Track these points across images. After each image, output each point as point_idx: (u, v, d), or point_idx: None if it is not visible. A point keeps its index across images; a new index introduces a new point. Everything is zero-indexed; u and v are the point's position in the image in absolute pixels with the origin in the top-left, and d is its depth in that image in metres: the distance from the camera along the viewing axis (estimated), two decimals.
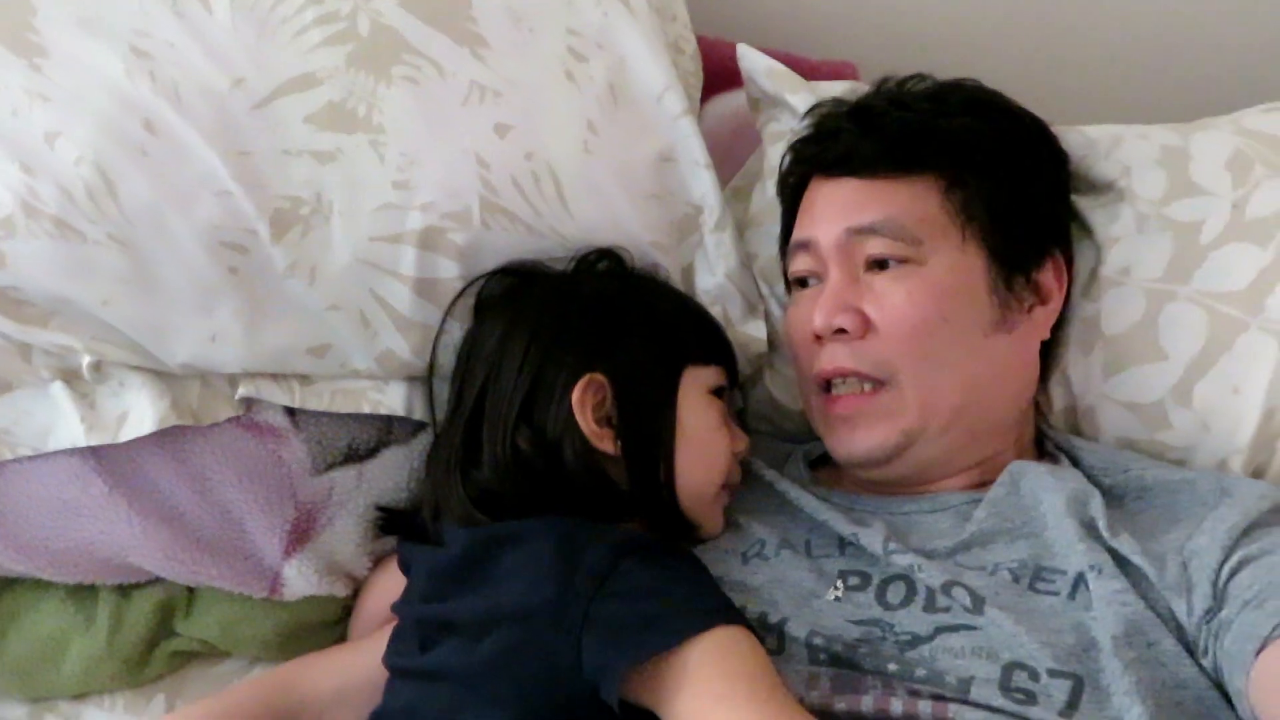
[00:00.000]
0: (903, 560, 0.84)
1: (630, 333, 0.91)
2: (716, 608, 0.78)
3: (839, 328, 0.90)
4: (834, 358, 0.91)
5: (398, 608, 0.85)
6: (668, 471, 0.89)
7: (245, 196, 0.96)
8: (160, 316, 0.98)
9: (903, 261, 0.91)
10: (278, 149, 0.97)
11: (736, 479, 0.95)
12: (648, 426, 0.89)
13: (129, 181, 0.95)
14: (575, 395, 0.87)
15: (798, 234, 0.98)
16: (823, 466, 1.02)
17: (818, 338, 0.92)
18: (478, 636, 0.78)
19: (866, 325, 0.90)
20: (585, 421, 0.87)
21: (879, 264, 0.91)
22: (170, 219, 0.95)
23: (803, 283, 0.97)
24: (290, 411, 1.03)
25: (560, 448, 0.87)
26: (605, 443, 0.87)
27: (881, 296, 0.90)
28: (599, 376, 0.88)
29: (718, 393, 0.94)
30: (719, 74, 1.17)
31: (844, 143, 0.96)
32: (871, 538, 0.86)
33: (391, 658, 0.84)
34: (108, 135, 0.95)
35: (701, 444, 0.91)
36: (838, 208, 0.94)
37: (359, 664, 0.92)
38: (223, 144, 0.96)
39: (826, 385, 0.93)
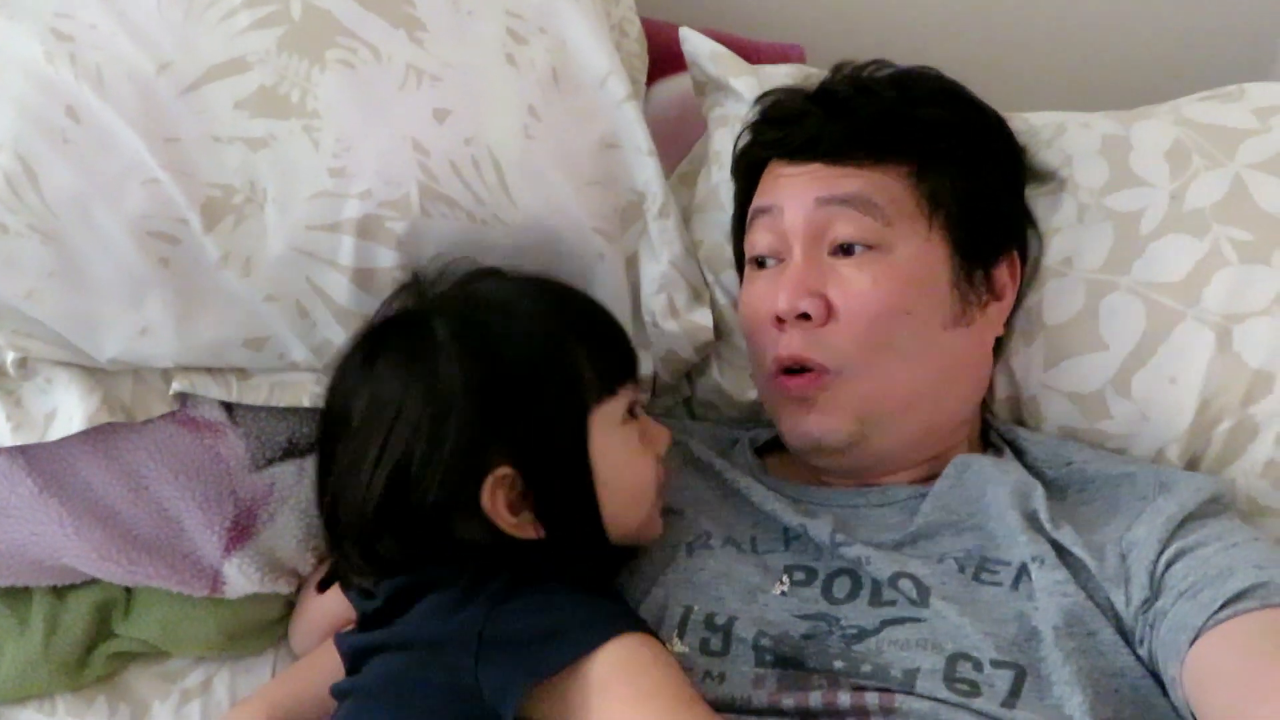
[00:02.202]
0: (850, 553, 0.84)
1: (521, 401, 0.79)
2: (615, 616, 0.75)
3: (802, 312, 0.89)
4: (791, 344, 0.90)
5: (339, 640, 0.84)
6: (595, 522, 0.82)
7: (174, 185, 0.92)
8: (87, 310, 0.95)
9: (870, 248, 0.89)
10: (208, 135, 0.94)
11: (664, 479, 0.89)
12: (567, 494, 0.80)
13: (51, 170, 0.92)
14: (485, 500, 0.77)
15: (760, 200, 0.96)
16: (770, 454, 1.02)
17: (779, 320, 0.90)
18: (390, 655, 0.77)
19: (829, 311, 0.89)
20: (503, 520, 0.78)
21: (845, 249, 0.90)
22: (96, 209, 0.92)
23: (760, 263, 0.95)
24: (228, 406, 1.01)
25: (442, 538, 0.78)
26: (527, 530, 0.79)
27: (846, 281, 0.89)
28: (504, 469, 0.78)
29: (630, 410, 0.86)
30: (665, 57, 1.15)
31: (810, 127, 0.94)
32: (819, 529, 0.86)
33: (334, 688, 0.83)
34: (28, 122, 0.92)
35: (626, 482, 0.84)
36: (806, 180, 0.93)
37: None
38: (149, 130, 0.93)
39: (780, 370, 0.92)
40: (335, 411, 0.83)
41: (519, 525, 0.78)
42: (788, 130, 0.96)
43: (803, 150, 0.94)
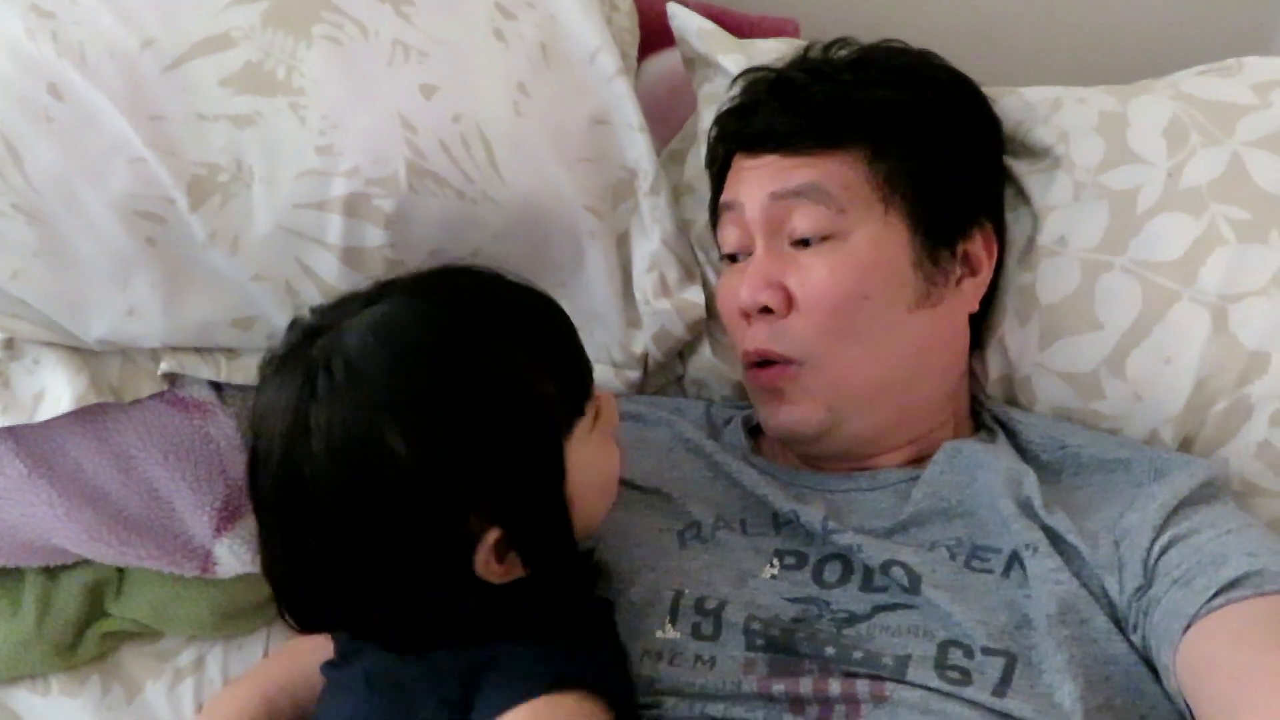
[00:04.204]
0: (842, 539, 0.84)
1: (490, 458, 0.68)
2: (568, 667, 0.70)
3: (764, 306, 0.90)
4: (756, 338, 0.91)
5: None
6: (569, 535, 0.73)
7: (160, 163, 0.92)
8: (74, 290, 0.95)
9: (825, 238, 0.90)
10: (192, 113, 0.93)
11: (623, 450, 0.80)
12: (549, 525, 0.72)
13: (35, 149, 0.91)
14: (480, 569, 0.69)
15: (724, 196, 0.97)
16: (763, 434, 1.01)
17: (746, 315, 0.91)
18: (382, 654, 0.75)
19: (790, 302, 0.90)
20: (495, 574, 0.70)
21: (804, 242, 0.91)
22: (81, 188, 0.92)
23: (732, 259, 0.96)
24: (217, 386, 1.01)
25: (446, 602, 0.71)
26: (516, 571, 0.71)
27: (804, 271, 0.90)
28: (491, 534, 0.69)
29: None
30: (657, 32, 1.13)
31: (763, 119, 0.94)
32: (811, 515, 0.86)
33: (324, 666, 0.83)
34: (10, 100, 0.91)
35: (599, 486, 0.76)
36: (760, 176, 0.93)
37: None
38: (133, 108, 0.92)
39: (751, 363, 0.93)
40: (275, 471, 0.69)
41: (508, 570, 0.70)
42: (744, 122, 0.96)
43: (758, 142, 0.94)
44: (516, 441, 0.69)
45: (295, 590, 0.72)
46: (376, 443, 0.66)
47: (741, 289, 0.91)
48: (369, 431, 0.66)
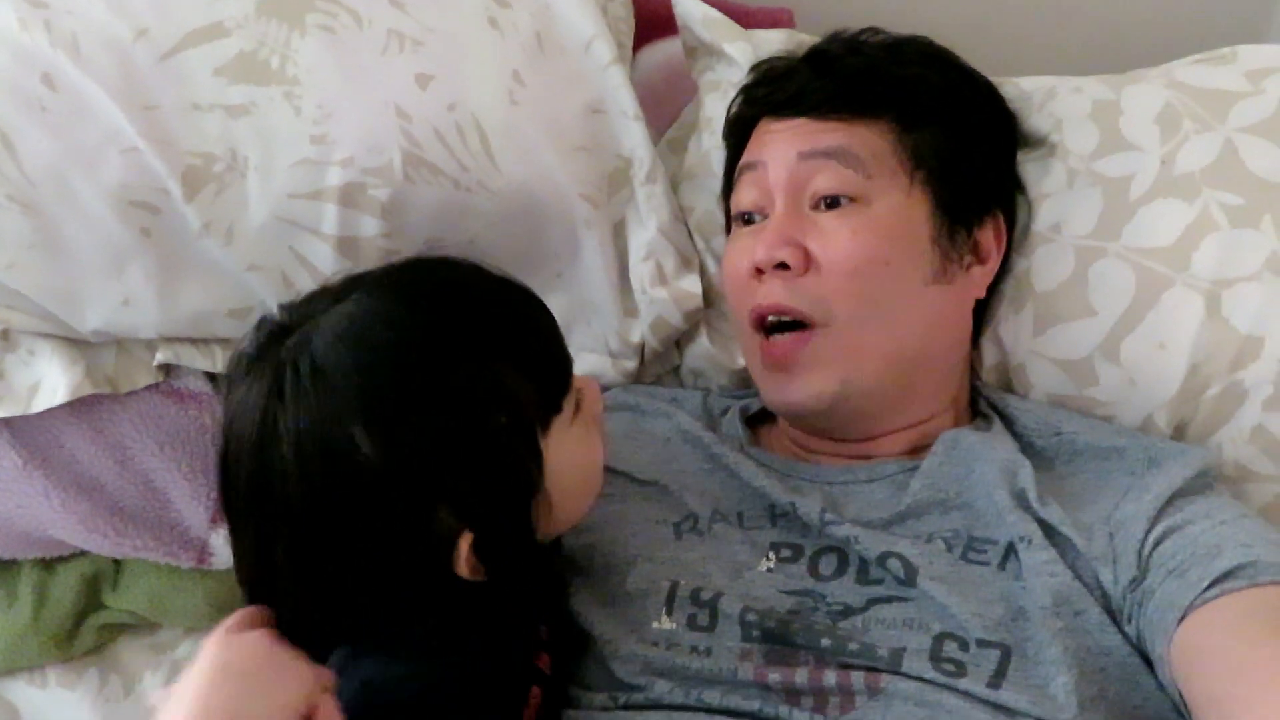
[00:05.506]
0: (839, 531, 0.84)
1: (461, 465, 0.67)
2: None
3: (780, 262, 0.89)
4: (771, 293, 0.90)
5: None
6: (532, 539, 0.71)
7: (154, 154, 0.92)
8: (68, 281, 0.94)
9: (851, 200, 0.89)
10: (187, 103, 0.93)
11: (607, 437, 0.78)
12: (521, 528, 0.70)
13: (28, 140, 0.91)
14: (464, 571, 0.68)
15: (746, 157, 0.96)
16: (760, 424, 1.01)
17: (759, 272, 0.90)
18: None
19: (808, 262, 0.89)
20: (476, 574, 0.69)
21: (827, 203, 0.90)
22: (74, 179, 0.92)
23: (746, 221, 0.96)
24: (212, 377, 1.01)
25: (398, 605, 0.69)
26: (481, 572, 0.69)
27: (826, 233, 0.89)
28: (466, 535, 0.67)
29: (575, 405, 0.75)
30: (653, 20, 1.13)
31: (796, 83, 0.95)
32: (809, 508, 0.86)
33: None
34: (4, 91, 0.91)
35: (581, 480, 0.74)
36: (790, 135, 0.93)
37: None
38: (127, 98, 0.92)
39: (761, 324, 0.92)
40: (245, 474, 0.69)
41: (479, 569, 0.69)
42: (775, 87, 0.96)
43: (788, 105, 0.94)
44: (486, 442, 0.67)
45: (264, 596, 0.70)
46: (343, 445, 0.65)
47: (758, 246, 0.90)
48: (336, 434, 0.65)
